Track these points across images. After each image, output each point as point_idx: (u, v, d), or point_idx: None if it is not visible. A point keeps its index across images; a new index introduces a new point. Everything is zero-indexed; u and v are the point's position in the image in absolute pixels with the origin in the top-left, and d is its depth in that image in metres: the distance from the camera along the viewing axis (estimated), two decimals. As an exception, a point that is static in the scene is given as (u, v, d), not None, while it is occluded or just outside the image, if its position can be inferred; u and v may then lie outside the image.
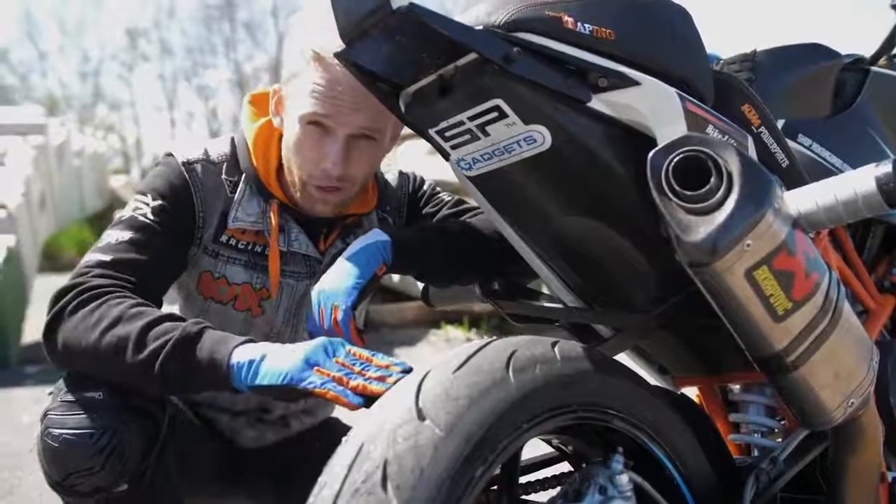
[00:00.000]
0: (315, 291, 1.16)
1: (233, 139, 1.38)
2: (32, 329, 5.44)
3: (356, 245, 1.20)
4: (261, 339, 1.13)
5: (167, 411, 1.18)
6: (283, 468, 1.47)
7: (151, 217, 1.25)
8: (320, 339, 1.05)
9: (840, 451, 1.10)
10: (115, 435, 1.10)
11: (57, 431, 1.10)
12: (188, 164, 1.31)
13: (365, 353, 1.03)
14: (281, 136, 1.33)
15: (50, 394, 1.18)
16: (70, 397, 1.12)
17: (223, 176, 1.33)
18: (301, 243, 1.36)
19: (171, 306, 1.35)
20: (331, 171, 1.25)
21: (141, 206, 1.27)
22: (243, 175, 1.34)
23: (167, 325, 1.10)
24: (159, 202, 1.27)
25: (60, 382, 1.17)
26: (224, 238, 1.33)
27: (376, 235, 1.21)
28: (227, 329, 1.15)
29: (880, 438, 1.12)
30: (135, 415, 1.13)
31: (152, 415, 1.15)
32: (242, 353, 1.06)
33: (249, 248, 1.34)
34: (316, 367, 1.01)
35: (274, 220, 1.33)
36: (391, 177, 1.49)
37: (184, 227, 1.30)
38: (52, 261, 9.40)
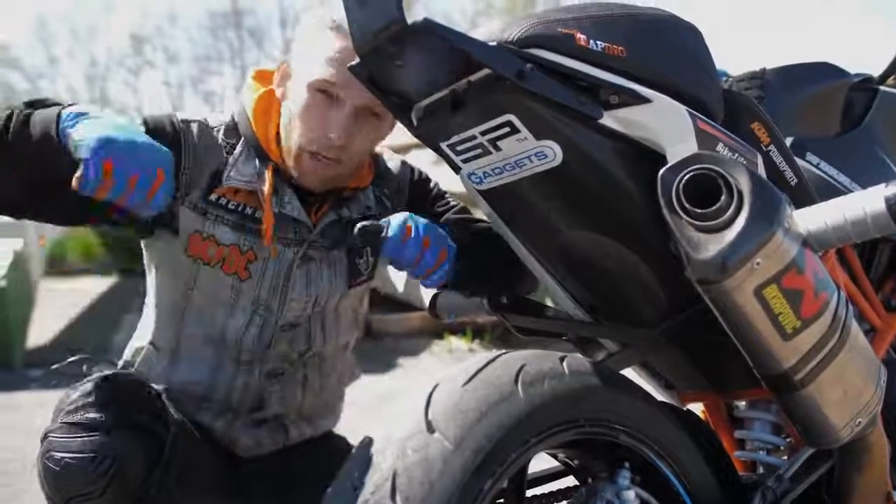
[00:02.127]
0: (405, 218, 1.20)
1: (232, 113, 1.40)
2: (37, 332, 5.45)
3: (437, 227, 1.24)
4: (249, 307, 1.23)
5: (171, 430, 1.18)
6: (284, 482, 1.46)
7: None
8: (136, 140, 1.06)
9: (846, 470, 1.10)
10: (118, 458, 1.10)
11: (58, 455, 1.10)
12: (186, 122, 1.33)
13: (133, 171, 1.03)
14: (280, 106, 1.36)
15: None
16: (71, 419, 1.12)
17: (221, 137, 1.35)
18: (293, 207, 1.36)
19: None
20: (334, 140, 1.26)
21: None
22: (242, 139, 1.35)
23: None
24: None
25: (61, 401, 1.16)
26: (214, 197, 1.33)
27: (447, 240, 1.24)
28: (218, 297, 1.23)
29: (887, 458, 1.12)
30: (137, 436, 1.13)
31: (156, 434, 1.15)
32: (79, 107, 1.10)
33: (240, 209, 1.34)
34: (106, 160, 1.01)
35: (269, 181, 1.33)
36: (393, 164, 1.49)
37: None
38: (57, 265, 9.43)
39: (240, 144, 1.35)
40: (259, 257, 1.35)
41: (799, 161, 1.21)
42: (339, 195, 1.39)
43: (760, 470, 1.22)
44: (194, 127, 1.33)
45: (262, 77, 1.42)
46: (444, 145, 1.06)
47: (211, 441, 1.42)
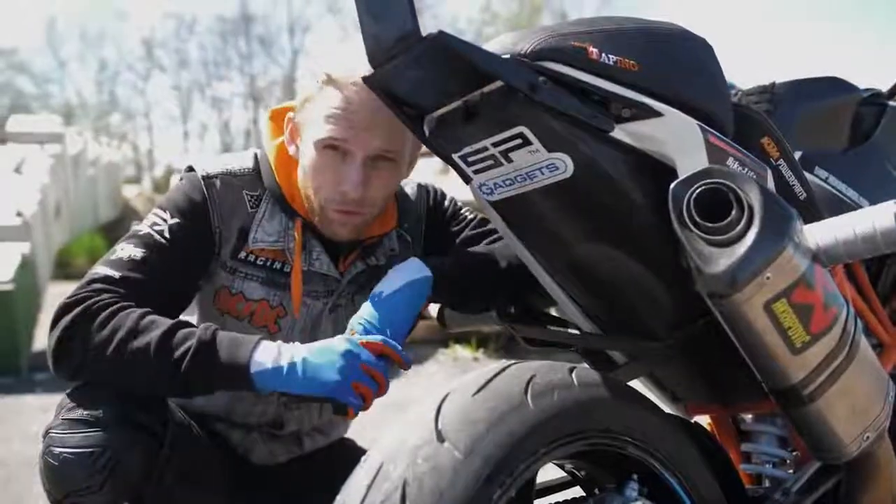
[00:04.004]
0: (360, 322, 1.20)
1: (256, 155, 1.38)
2: (44, 336, 5.45)
3: (399, 277, 1.22)
4: None
5: (169, 428, 1.18)
6: (295, 488, 1.46)
7: (167, 236, 1.25)
8: (346, 346, 1.13)
9: (853, 485, 1.10)
10: (116, 454, 1.10)
11: (57, 450, 1.10)
12: (208, 178, 1.30)
13: (377, 339, 1.15)
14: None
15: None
16: (72, 415, 1.12)
17: (244, 191, 1.32)
18: (322, 263, 1.35)
19: (189, 317, 1.35)
20: (350, 194, 1.24)
21: (158, 223, 1.26)
22: (266, 191, 1.34)
23: (183, 332, 1.14)
24: (177, 220, 1.26)
25: (63, 399, 1.17)
26: (242, 255, 1.32)
27: (419, 270, 1.22)
28: None
29: (895, 473, 1.12)
30: (136, 432, 1.13)
31: (154, 432, 1.15)
32: (264, 357, 1.13)
33: (268, 264, 1.33)
34: (353, 382, 1.12)
35: (298, 239, 1.32)
36: (409, 189, 1.46)
37: (201, 245, 1.29)
38: (64, 269, 9.45)
39: (264, 198, 1.33)
40: (288, 312, 1.35)
41: (808, 175, 1.21)
42: (365, 244, 1.38)
43: (767, 483, 1.22)
44: (217, 183, 1.31)
45: (279, 118, 1.40)
46: (455, 156, 1.07)
47: (225, 448, 1.43)
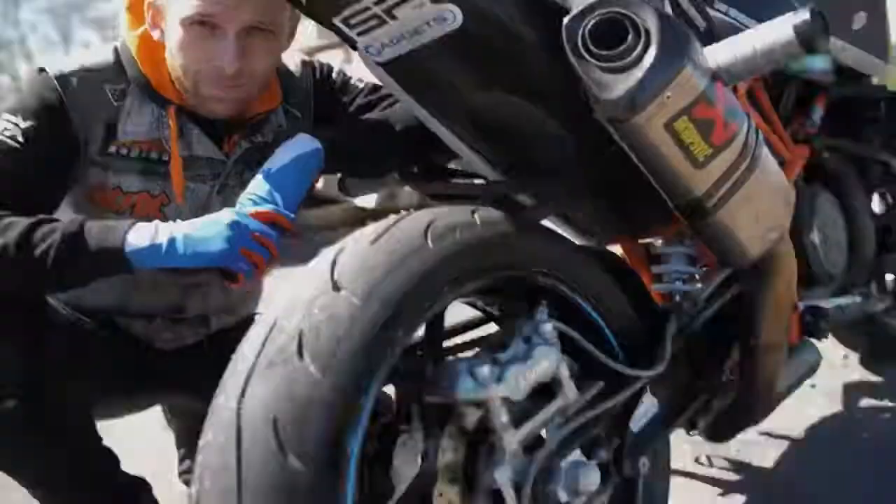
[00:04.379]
0: (249, 197, 1.15)
1: (116, 48, 1.29)
2: None
3: (287, 153, 1.17)
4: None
5: (43, 319, 1.17)
6: (208, 366, 1.43)
7: (20, 140, 1.17)
8: (232, 217, 1.11)
9: (757, 286, 1.15)
10: None
11: None
12: (62, 78, 1.21)
13: (267, 208, 1.12)
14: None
15: None
16: None
17: (106, 85, 1.24)
18: (204, 146, 1.29)
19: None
20: (226, 69, 1.18)
21: (10, 128, 1.18)
22: (131, 83, 1.26)
23: (45, 227, 1.09)
24: (30, 123, 1.18)
25: None
26: (113, 149, 1.25)
27: (308, 143, 1.18)
28: None
29: (794, 272, 1.17)
30: (7, 329, 1.10)
31: (27, 326, 1.12)
32: (139, 237, 1.09)
33: (143, 155, 1.27)
34: (243, 249, 1.10)
35: (173, 126, 1.25)
36: (294, 66, 1.41)
37: (60, 146, 1.21)
38: None
39: (130, 90, 1.26)
40: (171, 199, 1.29)
41: (709, 11, 1.19)
42: (250, 123, 1.32)
43: (677, 299, 1.24)
44: (74, 81, 1.22)
45: (136, 7, 1.30)
46: (336, 20, 1.00)
47: (128, 338, 1.40)
